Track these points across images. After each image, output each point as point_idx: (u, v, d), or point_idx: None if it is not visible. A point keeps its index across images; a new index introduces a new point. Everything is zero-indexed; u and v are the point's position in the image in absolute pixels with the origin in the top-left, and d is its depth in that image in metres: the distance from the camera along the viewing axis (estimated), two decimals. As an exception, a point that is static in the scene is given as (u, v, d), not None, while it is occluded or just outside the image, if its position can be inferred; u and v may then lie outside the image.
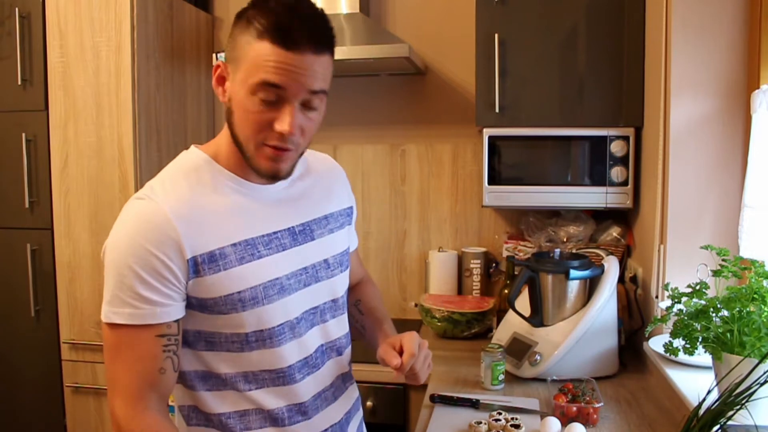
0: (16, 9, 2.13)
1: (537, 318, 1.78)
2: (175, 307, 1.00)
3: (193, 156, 1.09)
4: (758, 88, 1.47)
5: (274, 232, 1.08)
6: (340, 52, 2.11)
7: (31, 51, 2.16)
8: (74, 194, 2.14)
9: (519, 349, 1.77)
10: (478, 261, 2.35)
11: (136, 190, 2.09)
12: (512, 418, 1.41)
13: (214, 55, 2.16)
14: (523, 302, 1.82)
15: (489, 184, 2.09)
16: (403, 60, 2.11)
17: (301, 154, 1.08)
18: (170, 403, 2.22)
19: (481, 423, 1.40)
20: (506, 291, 2.01)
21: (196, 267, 1.00)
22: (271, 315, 1.06)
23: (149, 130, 2.18)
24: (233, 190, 1.07)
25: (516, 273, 2.04)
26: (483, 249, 2.39)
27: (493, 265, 2.39)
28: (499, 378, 1.68)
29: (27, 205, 2.19)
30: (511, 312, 1.85)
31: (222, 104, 1.05)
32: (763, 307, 1.20)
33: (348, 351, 1.23)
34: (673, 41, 1.67)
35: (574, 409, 1.44)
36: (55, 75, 2.13)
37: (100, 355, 2.16)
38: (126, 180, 2.10)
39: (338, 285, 1.18)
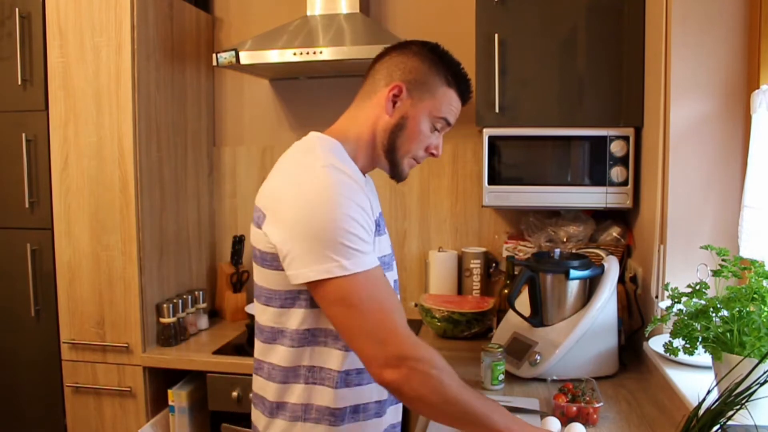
0: (16, 9, 2.13)
1: (537, 318, 1.79)
2: None
3: (328, 140, 1.20)
4: (758, 88, 1.47)
5: (381, 214, 1.25)
6: (341, 52, 2.12)
7: (31, 51, 2.16)
8: (74, 194, 2.14)
9: (519, 349, 1.77)
10: (478, 261, 2.35)
11: (137, 190, 2.10)
12: (512, 418, 1.41)
13: (214, 55, 2.16)
14: (523, 302, 1.82)
15: (489, 184, 2.09)
16: (403, 60, 2.11)
17: None
18: (170, 403, 2.22)
19: (481, 423, 1.39)
20: (506, 291, 2.01)
21: (377, 226, 1.17)
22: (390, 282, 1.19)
23: (149, 130, 2.17)
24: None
25: (516, 273, 2.03)
26: (483, 249, 2.39)
27: (493, 265, 2.40)
28: (499, 378, 1.68)
29: (27, 205, 2.19)
30: (511, 312, 1.85)
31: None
32: (763, 307, 1.20)
33: None
34: (673, 41, 1.67)
35: (574, 409, 1.44)
36: (55, 75, 2.13)
37: (100, 355, 2.16)
38: (126, 180, 2.10)
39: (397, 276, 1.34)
